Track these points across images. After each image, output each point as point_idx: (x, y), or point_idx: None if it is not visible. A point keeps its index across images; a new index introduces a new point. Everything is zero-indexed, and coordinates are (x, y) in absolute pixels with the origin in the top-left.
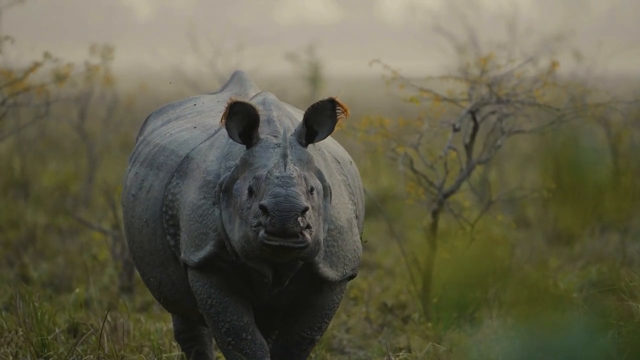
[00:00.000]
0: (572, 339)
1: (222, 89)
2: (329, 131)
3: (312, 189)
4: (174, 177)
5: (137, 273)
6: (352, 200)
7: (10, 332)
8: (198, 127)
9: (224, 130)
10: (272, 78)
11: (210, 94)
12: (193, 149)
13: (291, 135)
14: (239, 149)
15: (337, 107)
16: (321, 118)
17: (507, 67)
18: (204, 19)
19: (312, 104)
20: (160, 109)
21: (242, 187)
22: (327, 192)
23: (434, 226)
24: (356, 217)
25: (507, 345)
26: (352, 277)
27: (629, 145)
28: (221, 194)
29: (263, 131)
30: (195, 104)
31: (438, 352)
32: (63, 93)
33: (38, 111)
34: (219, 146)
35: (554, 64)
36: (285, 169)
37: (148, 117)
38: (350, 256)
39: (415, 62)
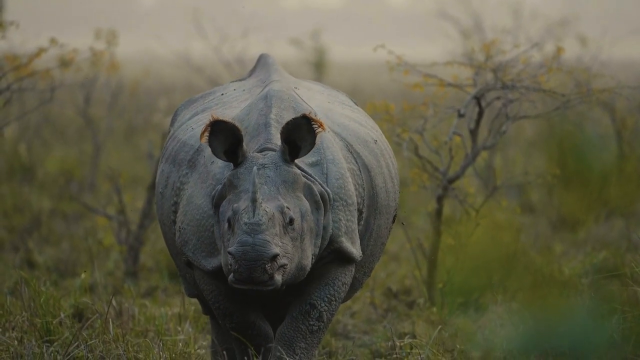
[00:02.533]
0: (577, 324)
1: (250, 74)
2: (311, 145)
3: (291, 221)
4: (185, 167)
5: (141, 258)
6: (357, 191)
7: (15, 316)
8: None
9: None
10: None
11: (239, 80)
12: None
13: (276, 153)
14: None
15: (312, 122)
16: (300, 133)
17: (512, 53)
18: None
19: (286, 122)
20: (189, 99)
21: (226, 211)
22: (319, 206)
23: (438, 212)
24: (360, 211)
25: (511, 330)
26: (358, 264)
27: (633, 130)
28: (213, 209)
29: (259, 138)
30: (222, 94)
31: (443, 337)
32: (68, 78)
33: (43, 96)
34: None
35: (559, 50)
36: (254, 214)
37: (177, 109)
38: (358, 237)
39: (419, 47)
